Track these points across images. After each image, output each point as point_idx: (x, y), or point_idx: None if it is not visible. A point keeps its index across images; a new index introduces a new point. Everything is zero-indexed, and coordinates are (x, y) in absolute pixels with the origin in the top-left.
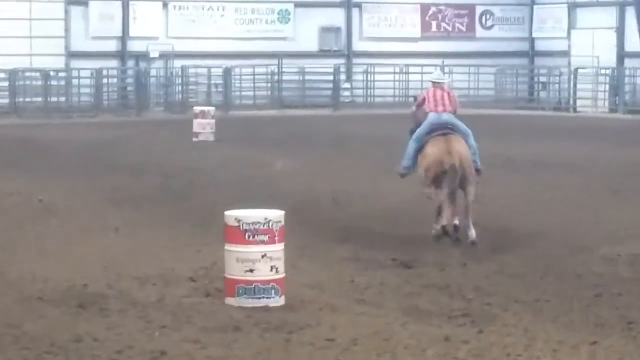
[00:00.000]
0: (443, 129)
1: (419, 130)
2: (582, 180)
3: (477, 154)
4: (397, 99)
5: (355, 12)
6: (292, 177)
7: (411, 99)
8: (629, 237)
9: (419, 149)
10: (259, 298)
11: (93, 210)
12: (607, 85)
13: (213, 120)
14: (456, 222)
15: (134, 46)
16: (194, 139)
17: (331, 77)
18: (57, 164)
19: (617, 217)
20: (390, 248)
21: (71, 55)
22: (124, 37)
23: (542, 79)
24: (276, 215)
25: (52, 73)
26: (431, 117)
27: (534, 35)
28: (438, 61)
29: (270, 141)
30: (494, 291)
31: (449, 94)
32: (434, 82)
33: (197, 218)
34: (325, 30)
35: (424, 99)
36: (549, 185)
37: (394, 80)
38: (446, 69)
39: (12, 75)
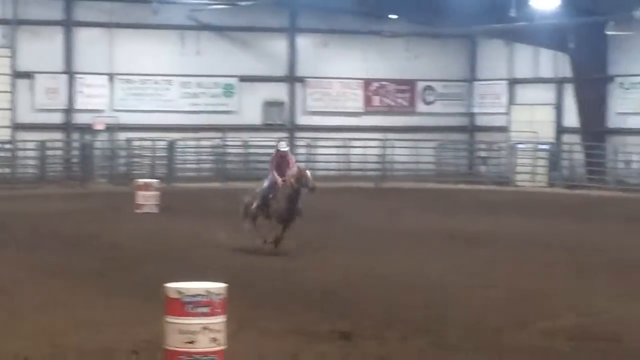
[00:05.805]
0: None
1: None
2: (521, 253)
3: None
4: (339, 172)
5: (298, 87)
6: (236, 249)
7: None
8: (567, 311)
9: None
10: None
11: (38, 284)
12: (546, 160)
13: (157, 193)
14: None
15: (79, 118)
16: (137, 211)
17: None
18: (1, 236)
19: (555, 290)
20: (329, 318)
21: (17, 127)
22: (69, 110)
23: (482, 153)
24: (217, 287)
25: None
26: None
27: (474, 110)
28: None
29: (214, 213)
30: None
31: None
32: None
33: (141, 291)
34: (269, 104)
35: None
36: (489, 259)
37: (337, 154)
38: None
39: None
